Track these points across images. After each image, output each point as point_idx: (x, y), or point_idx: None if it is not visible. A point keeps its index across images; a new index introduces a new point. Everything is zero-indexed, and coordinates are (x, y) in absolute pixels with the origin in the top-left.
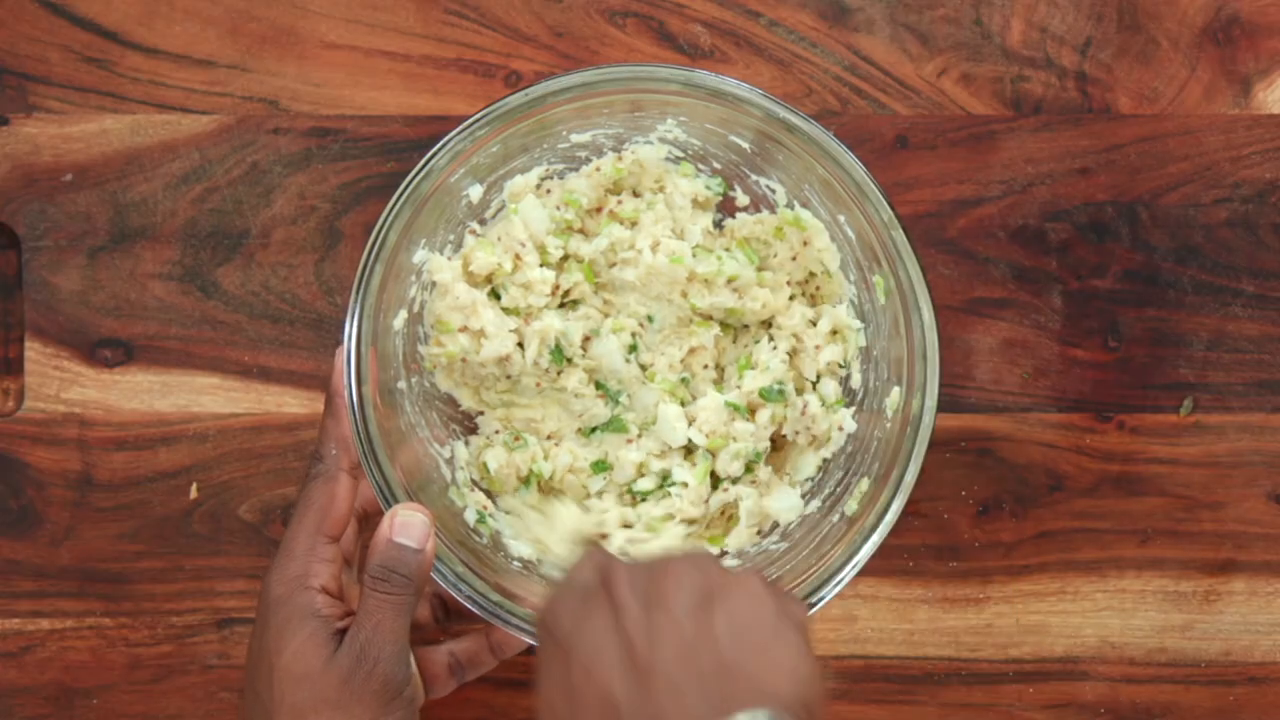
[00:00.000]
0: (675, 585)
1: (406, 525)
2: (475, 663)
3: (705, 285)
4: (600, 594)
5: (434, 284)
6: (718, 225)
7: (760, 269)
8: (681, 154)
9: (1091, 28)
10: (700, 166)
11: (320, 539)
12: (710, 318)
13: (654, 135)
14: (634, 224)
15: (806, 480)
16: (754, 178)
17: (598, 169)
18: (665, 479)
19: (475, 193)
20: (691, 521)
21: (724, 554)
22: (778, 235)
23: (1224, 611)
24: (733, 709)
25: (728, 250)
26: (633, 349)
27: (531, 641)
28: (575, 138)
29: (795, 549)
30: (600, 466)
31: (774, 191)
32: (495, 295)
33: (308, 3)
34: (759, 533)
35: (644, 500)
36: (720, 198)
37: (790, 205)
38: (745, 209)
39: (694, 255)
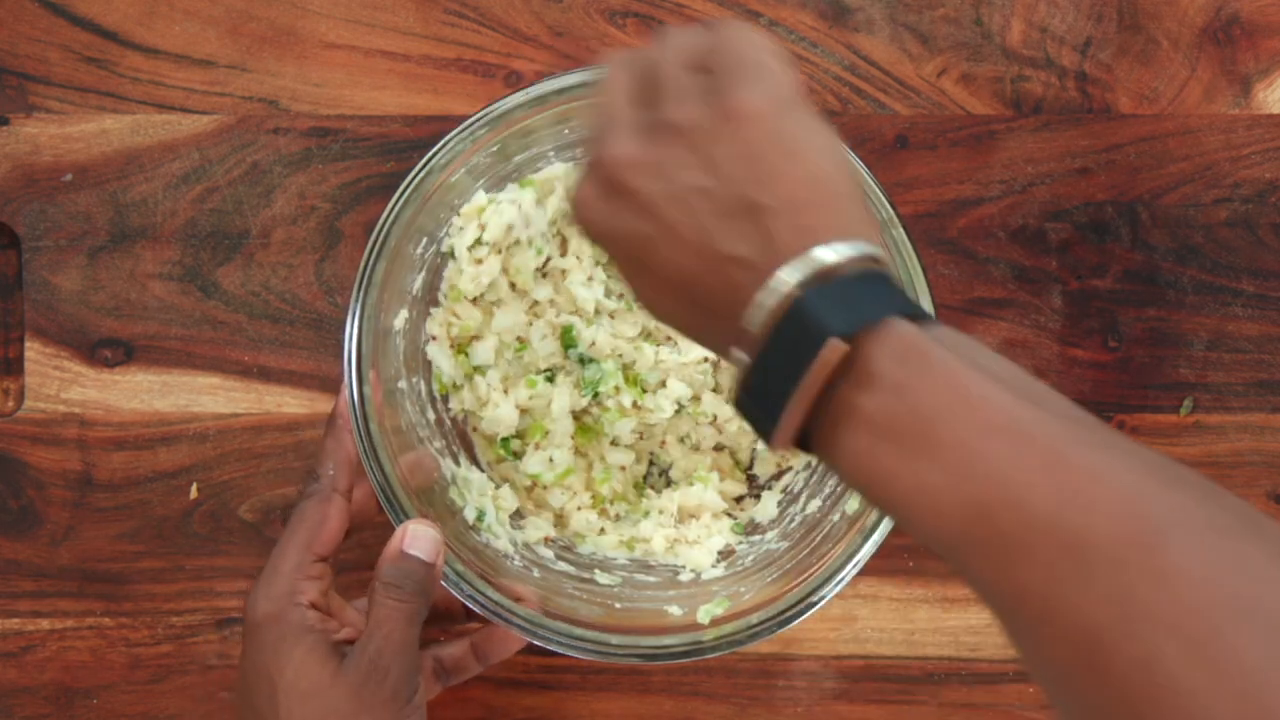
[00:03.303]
0: (666, 127)
1: (418, 538)
2: (459, 668)
3: None
4: (608, 184)
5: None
6: None
7: None
8: None
9: (1091, 28)
10: None
11: (309, 556)
12: None
13: None
14: None
15: None
16: None
17: None
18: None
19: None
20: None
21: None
22: None
23: None
24: (784, 258)
25: None
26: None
27: (531, 641)
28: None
29: (795, 548)
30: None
31: None
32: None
33: (308, 3)
34: (746, 531)
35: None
36: None
37: None
38: None
39: None
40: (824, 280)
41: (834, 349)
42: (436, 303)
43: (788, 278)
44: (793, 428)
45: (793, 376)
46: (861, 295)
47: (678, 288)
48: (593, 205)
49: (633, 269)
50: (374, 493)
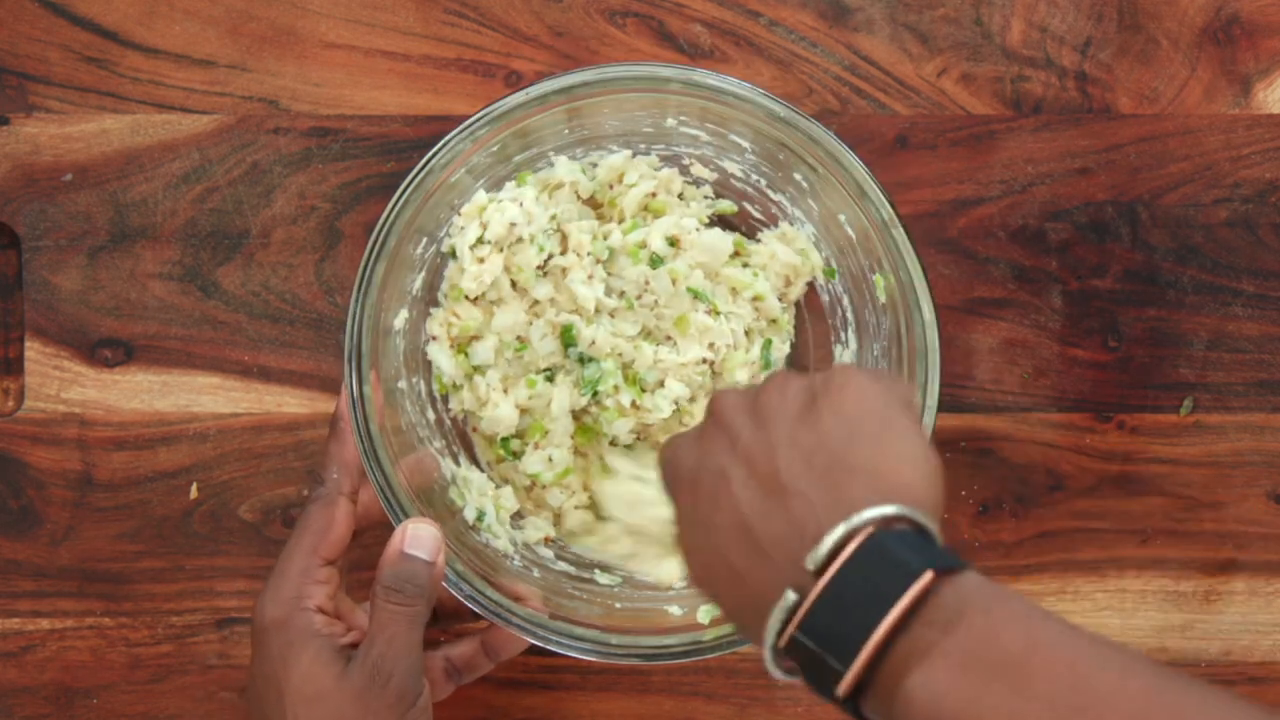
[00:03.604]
0: (779, 396)
1: (418, 538)
2: (471, 666)
3: (730, 292)
4: (711, 426)
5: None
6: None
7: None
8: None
9: (1091, 28)
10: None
11: (315, 560)
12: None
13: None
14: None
15: None
16: (773, 195)
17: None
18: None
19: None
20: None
21: None
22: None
23: (1224, 611)
24: (858, 508)
25: (756, 272)
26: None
27: (531, 641)
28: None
29: None
30: (569, 337)
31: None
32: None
33: (308, 3)
34: None
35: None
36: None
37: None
38: (760, 222)
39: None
40: (890, 527)
41: (925, 580)
42: (436, 303)
43: (867, 515)
44: (864, 664)
45: (875, 609)
46: (926, 546)
47: (738, 526)
48: (685, 442)
49: (699, 508)
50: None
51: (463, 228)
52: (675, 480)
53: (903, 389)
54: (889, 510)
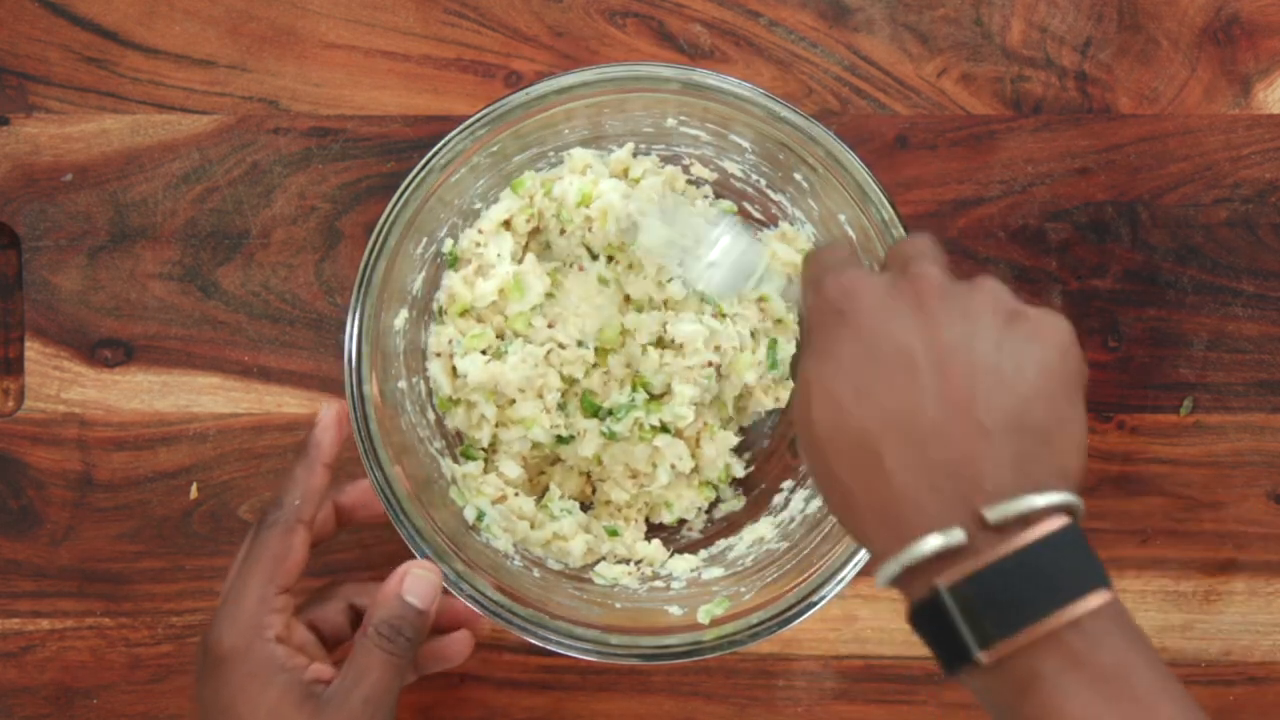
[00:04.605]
0: (992, 305)
1: (417, 582)
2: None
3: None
4: (907, 289)
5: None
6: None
7: None
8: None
9: (1091, 28)
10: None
11: (272, 589)
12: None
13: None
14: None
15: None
16: (775, 196)
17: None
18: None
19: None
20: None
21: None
22: None
23: (1224, 611)
24: (1044, 485)
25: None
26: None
27: (525, 638)
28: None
29: (796, 548)
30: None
31: (785, 206)
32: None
33: (308, 3)
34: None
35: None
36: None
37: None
38: (760, 222)
39: None
40: (1074, 517)
41: (1107, 596)
42: (437, 305)
43: (1056, 498)
44: (1009, 650)
45: (1053, 597)
46: (1094, 553)
47: (908, 425)
48: (862, 278)
49: (861, 368)
50: (354, 506)
51: (443, 330)
52: (833, 311)
53: (1086, 368)
54: (1073, 500)
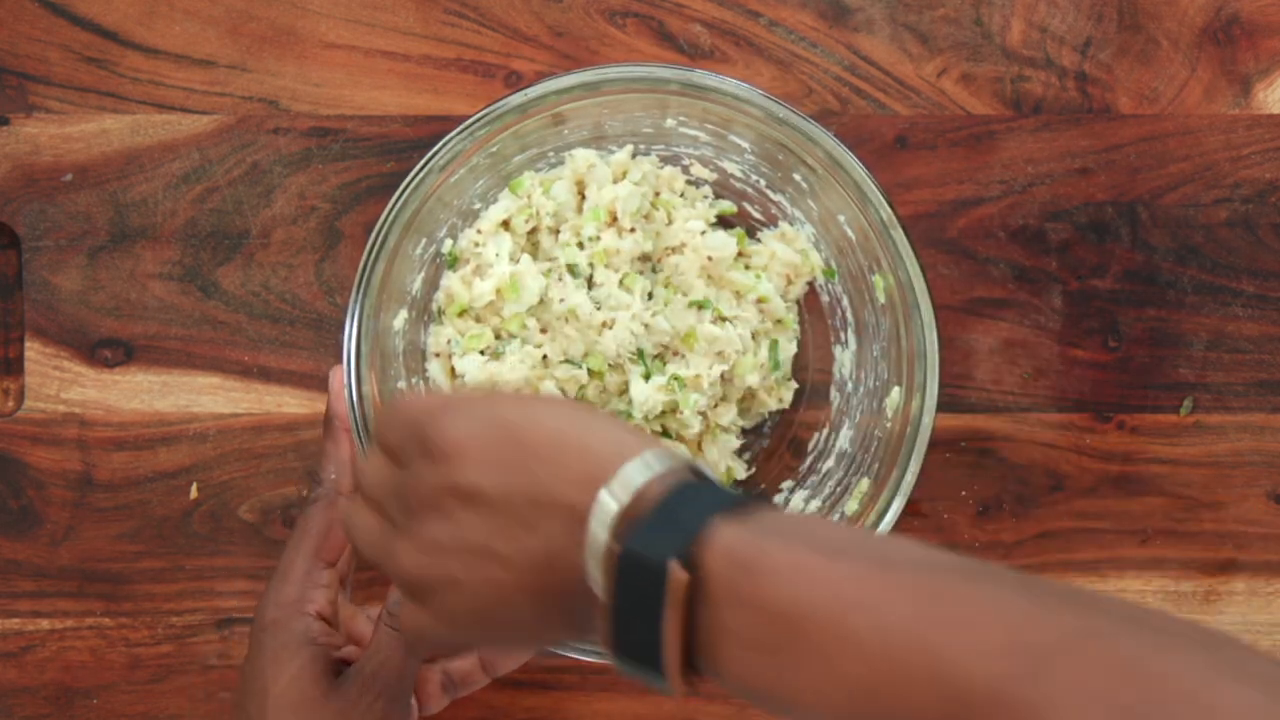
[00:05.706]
0: (432, 490)
1: None
2: (467, 681)
3: (734, 295)
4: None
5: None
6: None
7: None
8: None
9: (1091, 28)
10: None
11: (317, 564)
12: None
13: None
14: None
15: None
16: (773, 196)
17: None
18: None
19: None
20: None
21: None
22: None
23: (1224, 611)
24: (606, 475)
25: (758, 273)
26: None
27: (527, 657)
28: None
29: None
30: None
31: (784, 207)
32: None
33: (308, 3)
34: None
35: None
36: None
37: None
38: (760, 222)
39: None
40: (636, 512)
41: (678, 576)
42: (436, 305)
43: (599, 531)
44: (677, 663)
45: (655, 617)
46: (677, 509)
47: (527, 597)
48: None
49: (475, 612)
50: None
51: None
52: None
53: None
54: (611, 500)
